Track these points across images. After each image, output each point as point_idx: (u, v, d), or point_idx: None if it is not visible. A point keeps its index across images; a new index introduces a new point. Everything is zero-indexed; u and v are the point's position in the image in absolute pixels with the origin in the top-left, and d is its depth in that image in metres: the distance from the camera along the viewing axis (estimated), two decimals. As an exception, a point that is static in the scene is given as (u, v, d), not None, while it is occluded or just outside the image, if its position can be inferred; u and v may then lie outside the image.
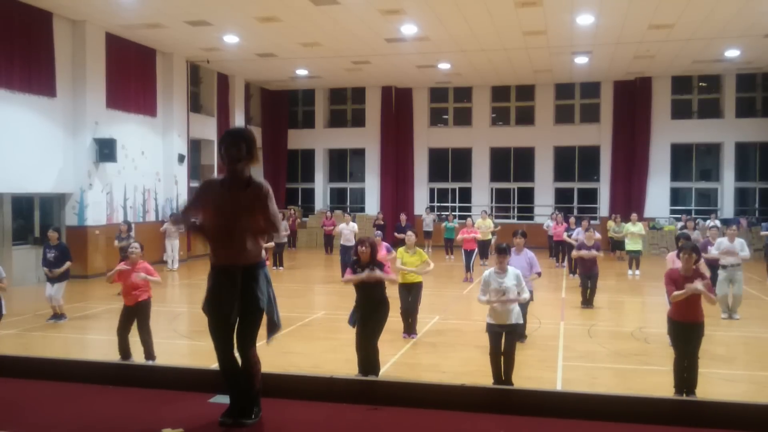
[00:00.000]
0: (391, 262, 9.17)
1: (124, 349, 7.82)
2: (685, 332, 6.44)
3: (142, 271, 7.87)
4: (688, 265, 6.44)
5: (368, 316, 6.97)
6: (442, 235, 21.45)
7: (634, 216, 17.48)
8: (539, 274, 8.78)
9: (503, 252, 6.94)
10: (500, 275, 6.81)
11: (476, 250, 16.09)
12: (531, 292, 8.19)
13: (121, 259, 13.31)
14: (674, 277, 6.47)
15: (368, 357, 6.98)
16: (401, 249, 9.58)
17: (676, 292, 6.34)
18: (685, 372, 6.45)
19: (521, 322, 6.91)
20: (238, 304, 3.95)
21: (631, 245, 16.71)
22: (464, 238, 15.58)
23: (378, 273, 6.87)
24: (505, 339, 6.78)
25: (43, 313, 11.01)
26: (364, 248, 6.97)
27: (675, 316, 6.49)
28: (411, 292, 9.40)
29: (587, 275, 11.68)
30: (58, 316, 10.65)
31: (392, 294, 9.76)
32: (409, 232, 9.94)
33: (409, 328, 9.48)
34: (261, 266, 4.06)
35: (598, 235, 12.38)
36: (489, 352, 6.86)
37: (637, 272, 16.54)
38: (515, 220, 24.65)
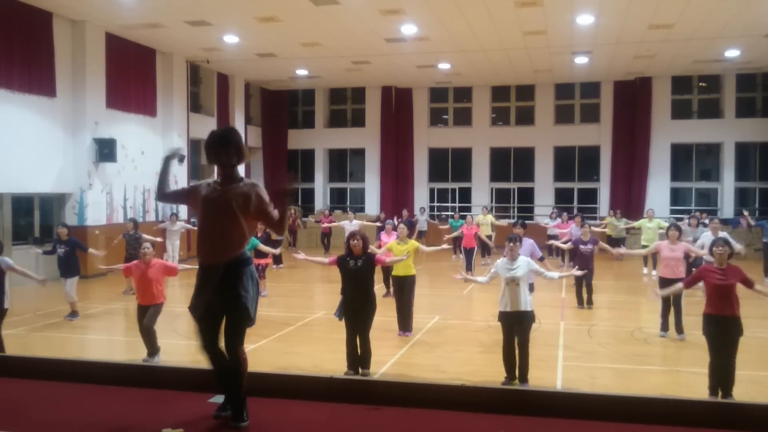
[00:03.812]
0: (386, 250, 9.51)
1: (153, 345, 7.89)
2: (722, 327, 6.31)
3: (157, 267, 7.91)
4: (723, 259, 6.40)
5: (358, 310, 7.13)
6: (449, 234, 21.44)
7: (650, 212, 17.06)
8: (542, 259, 9.00)
9: (514, 240, 7.05)
10: (511, 264, 6.89)
11: (476, 248, 16.10)
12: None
13: (127, 257, 13.41)
14: (708, 271, 6.47)
15: (364, 350, 7.21)
16: (393, 241, 9.78)
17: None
18: (722, 372, 6.33)
19: (530, 309, 6.94)
20: (221, 301, 3.97)
21: (646, 242, 16.32)
22: (464, 235, 15.58)
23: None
24: (518, 329, 6.86)
25: (43, 313, 10.97)
26: (356, 241, 7.17)
27: (711, 310, 6.38)
28: (404, 286, 9.46)
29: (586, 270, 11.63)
30: (73, 313, 10.69)
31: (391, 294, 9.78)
32: (401, 225, 10.18)
33: (404, 325, 9.51)
34: (246, 263, 4.07)
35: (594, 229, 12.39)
36: (502, 344, 6.92)
37: (654, 272, 16.37)
38: (516, 220, 24.61)
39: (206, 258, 4.02)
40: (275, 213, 4.10)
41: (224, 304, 3.99)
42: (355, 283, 7.16)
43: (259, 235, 12.37)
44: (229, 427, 3.92)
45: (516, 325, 6.88)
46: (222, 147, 4.04)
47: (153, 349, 7.88)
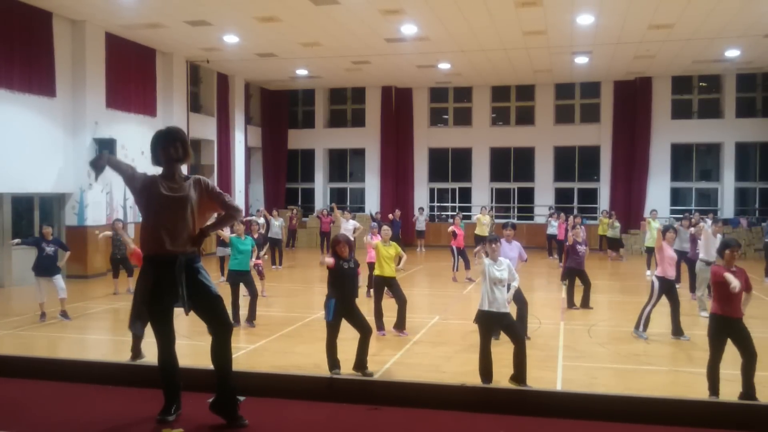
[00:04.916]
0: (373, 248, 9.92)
1: (138, 348, 7.68)
2: (731, 328, 6.30)
3: None
4: (733, 261, 6.46)
5: (350, 310, 7.26)
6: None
7: (654, 212, 17.03)
8: (525, 261, 9.53)
9: (494, 241, 7.10)
10: (497, 266, 6.92)
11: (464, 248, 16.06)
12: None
13: (112, 258, 13.46)
14: (722, 272, 6.42)
15: (366, 352, 7.27)
16: (378, 242, 9.96)
17: (730, 276, 6.20)
18: (744, 374, 6.27)
19: (509, 310, 6.99)
20: (190, 294, 4.04)
21: (651, 242, 15.78)
22: (457, 235, 15.59)
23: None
24: (507, 329, 6.90)
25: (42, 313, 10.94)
26: (341, 247, 7.37)
27: (721, 311, 6.35)
28: (392, 287, 9.60)
29: (580, 271, 11.67)
30: (64, 313, 10.68)
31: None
32: (385, 227, 10.50)
33: (400, 325, 9.55)
34: (198, 260, 4.21)
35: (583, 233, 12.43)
36: (480, 348, 6.86)
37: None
38: (515, 221, 24.64)
39: (167, 247, 4.03)
40: (226, 196, 4.29)
41: (195, 297, 4.06)
42: (348, 283, 7.29)
43: (255, 236, 12.39)
44: (229, 428, 3.92)
45: (500, 327, 6.96)
46: (169, 142, 4.16)
47: (139, 350, 7.72)
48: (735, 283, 6.12)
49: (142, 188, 4.15)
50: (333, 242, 7.50)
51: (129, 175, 4.21)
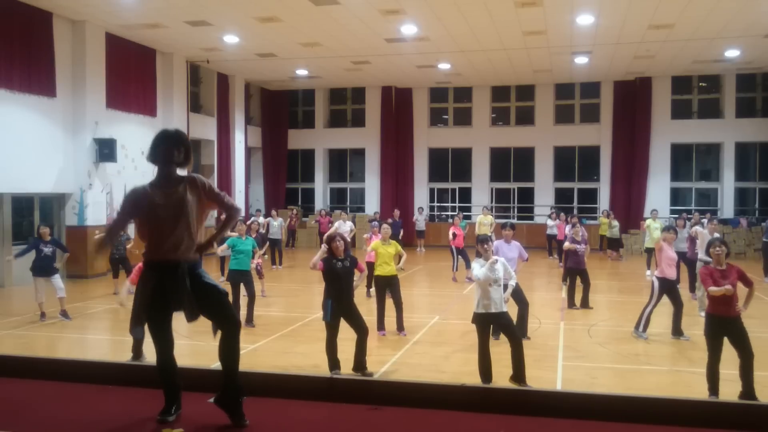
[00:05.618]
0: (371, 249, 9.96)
1: (139, 350, 7.66)
2: (727, 327, 6.31)
3: None
4: (721, 259, 6.44)
5: (348, 310, 7.21)
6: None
7: (654, 212, 17.02)
8: (526, 260, 9.76)
9: (485, 241, 7.07)
10: (490, 265, 6.88)
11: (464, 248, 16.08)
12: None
13: (111, 258, 13.40)
14: (711, 272, 6.44)
15: (364, 353, 7.25)
16: (377, 241, 9.95)
17: (713, 288, 6.23)
18: (743, 373, 6.27)
19: (506, 309, 6.97)
20: (186, 300, 4.00)
21: (651, 243, 15.70)
22: (456, 236, 15.61)
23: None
24: (504, 328, 6.91)
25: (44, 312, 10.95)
26: (337, 243, 7.32)
27: (715, 311, 6.36)
28: (391, 286, 9.59)
29: (579, 270, 11.66)
30: (64, 312, 10.66)
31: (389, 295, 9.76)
32: (384, 225, 10.50)
33: (399, 327, 9.55)
34: (200, 266, 4.16)
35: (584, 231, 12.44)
36: (479, 350, 6.86)
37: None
38: (515, 221, 24.64)
39: (170, 254, 4.00)
40: (224, 196, 4.26)
41: (203, 300, 4.02)
42: (343, 283, 7.24)
43: (254, 236, 12.43)
44: (229, 428, 3.92)
45: (496, 326, 6.99)
46: (174, 144, 4.10)
47: (140, 351, 7.72)
48: (717, 290, 6.16)
49: (134, 208, 4.11)
50: (328, 239, 7.44)
51: (127, 215, 4.21)
